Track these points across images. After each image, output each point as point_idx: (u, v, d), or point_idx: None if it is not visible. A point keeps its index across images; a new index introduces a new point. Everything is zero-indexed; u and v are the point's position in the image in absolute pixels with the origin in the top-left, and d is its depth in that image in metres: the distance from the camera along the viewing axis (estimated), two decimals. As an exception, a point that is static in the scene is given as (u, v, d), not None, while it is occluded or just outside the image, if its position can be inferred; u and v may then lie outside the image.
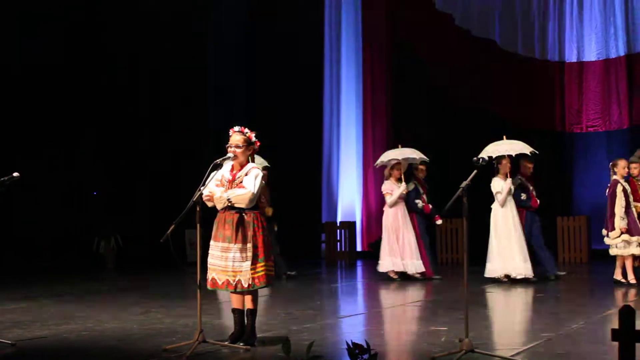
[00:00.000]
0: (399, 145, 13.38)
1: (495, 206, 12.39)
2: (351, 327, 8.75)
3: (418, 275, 13.02)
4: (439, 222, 13.73)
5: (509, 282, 12.15)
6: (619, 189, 11.69)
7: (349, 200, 19.55)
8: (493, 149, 12.27)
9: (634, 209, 11.73)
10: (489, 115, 17.98)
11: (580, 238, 16.65)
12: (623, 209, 11.63)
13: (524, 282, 12.08)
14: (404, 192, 12.95)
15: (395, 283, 12.82)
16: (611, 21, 17.83)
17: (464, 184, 6.61)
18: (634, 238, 11.63)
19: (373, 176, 19.27)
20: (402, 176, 13.02)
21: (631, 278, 11.63)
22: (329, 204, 19.76)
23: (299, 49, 19.28)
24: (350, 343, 4.58)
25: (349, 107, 19.73)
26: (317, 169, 19.77)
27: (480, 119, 17.72)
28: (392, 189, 12.96)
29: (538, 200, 12.78)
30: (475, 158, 6.96)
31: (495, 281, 12.16)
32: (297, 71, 19.16)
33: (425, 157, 13.32)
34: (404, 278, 13.05)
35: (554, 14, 18.33)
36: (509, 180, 12.35)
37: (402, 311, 9.79)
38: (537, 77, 18.39)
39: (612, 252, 11.76)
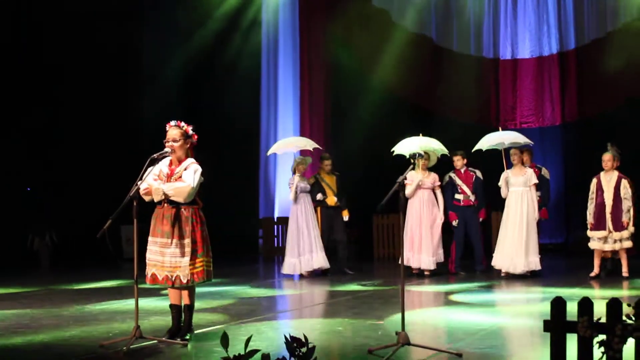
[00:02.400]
0: (420, 134, 12.92)
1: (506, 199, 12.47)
2: (288, 321, 8.79)
3: (427, 273, 12.74)
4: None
5: (506, 277, 12.25)
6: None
7: (286, 196, 19.51)
8: (486, 141, 12.61)
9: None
10: (425, 110, 18.14)
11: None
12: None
13: (522, 277, 12.15)
14: (421, 183, 12.63)
15: (330, 277, 12.88)
16: (544, 19, 18.14)
17: (400, 178, 6.68)
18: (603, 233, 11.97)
19: (311, 171, 19.30)
20: (420, 166, 12.67)
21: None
22: (266, 200, 19.73)
23: (235, 47, 19.21)
24: (288, 337, 4.60)
25: (286, 101, 19.71)
26: (254, 164, 19.73)
27: (417, 114, 17.87)
28: (412, 179, 12.68)
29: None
30: (411, 153, 7.05)
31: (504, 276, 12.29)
32: (235, 66, 19.07)
33: (445, 149, 12.87)
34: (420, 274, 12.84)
35: (488, 11, 18.58)
36: (505, 171, 12.45)
37: (338, 305, 9.84)
38: (472, 74, 18.62)
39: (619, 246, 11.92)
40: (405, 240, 12.69)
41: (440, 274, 12.73)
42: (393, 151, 12.76)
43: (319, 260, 13.14)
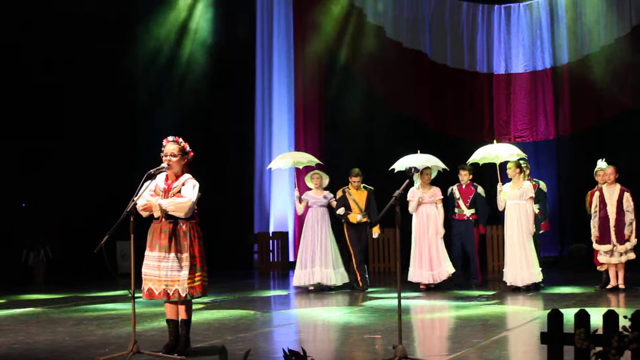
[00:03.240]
0: (418, 151, 12.92)
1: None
2: (285, 336, 8.79)
3: (422, 287, 12.75)
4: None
5: (512, 289, 12.27)
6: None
7: (281, 211, 19.55)
8: (482, 155, 12.71)
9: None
10: (419, 125, 18.21)
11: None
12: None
13: (526, 289, 12.17)
14: (421, 199, 12.64)
15: (331, 293, 12.84)
16: (538, 34, 18.24)
17: (396, 193, 6.70)
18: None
19: (304, 186, 19.30)
20: (417, 182, 12.77)
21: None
22: (261, 215, 19.74)
23: (229, 57, 19.26)
24: (287, 350, 4.62)
25: (280, 117, 19.76)
26: (249, 179, 19.75)
27: (412, 129, 17.95)
28: (413, 196, 12.74)
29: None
30: (407, 167, 7.07)
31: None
32: (229, 79, 19.12)
33: (443, 164, 12.94)
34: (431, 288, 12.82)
35: (482, 26, 18.67)
36: (499, 184, 12.53)
37: (335, 319, 9.85)
38: (467, 89, 18.71)
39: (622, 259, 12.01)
40: (411, 255, 12.82)
41: (440, 287, 12.73)
42: (393, 169, 12.78)
43: (326, 275, 13.08)
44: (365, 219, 13.00)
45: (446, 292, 12.41)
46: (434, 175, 12.93)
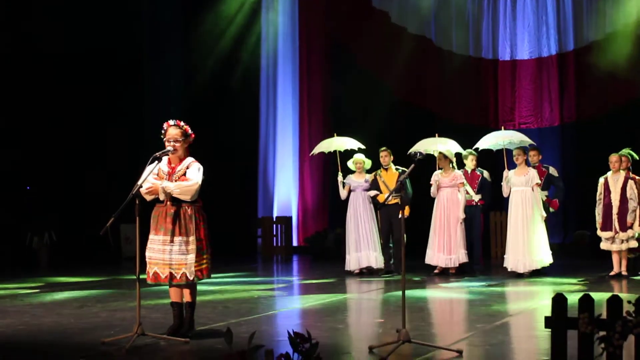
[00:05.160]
0: (436, 135, 12.90)
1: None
2: (288, 319, 8.82)
3: (437, 271, 12.78)
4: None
5: (513, 275, 12.28)
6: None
7: (285, 195, 19.58)
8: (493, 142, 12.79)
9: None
10: (425, 111, 18.19)
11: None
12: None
13: (528, 275, 12.19)
14: (439, 183, 12.68)
15: (334, 278, 12.84)
16: (543, 20, 18.18)
17: (401, 177, 6.73)
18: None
19: (309, 171, 19.32)
20: (437, 165, 12.85)
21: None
22: (265, 199, 19.76)
23: (235, 43, 19.25)
24: (292, 332, 4.62)
25: (285, 102, 19.75)
26: (253, 163, 19.75)
27: (417, 116, 17.93)
28: (435, 179, 12.81)
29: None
30: (412, 152, 7.07)
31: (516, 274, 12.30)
32: (233, 64, 19.11)
33: (461, 149, 12.91)
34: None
35: (488, 12, 18.61)
36: (505, 170, 12.53)
37: (338, 304, 9.87)
38: (472, 75, 18.66)
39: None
40: (429, 238, 12.91)
41: (453, 273, 12.71)
42: (410, 152, 12.70)
43: (373, 258, 13.08)
44: (394, 200, 12.21)
45: (454, 278, 12.39)
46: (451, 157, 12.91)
